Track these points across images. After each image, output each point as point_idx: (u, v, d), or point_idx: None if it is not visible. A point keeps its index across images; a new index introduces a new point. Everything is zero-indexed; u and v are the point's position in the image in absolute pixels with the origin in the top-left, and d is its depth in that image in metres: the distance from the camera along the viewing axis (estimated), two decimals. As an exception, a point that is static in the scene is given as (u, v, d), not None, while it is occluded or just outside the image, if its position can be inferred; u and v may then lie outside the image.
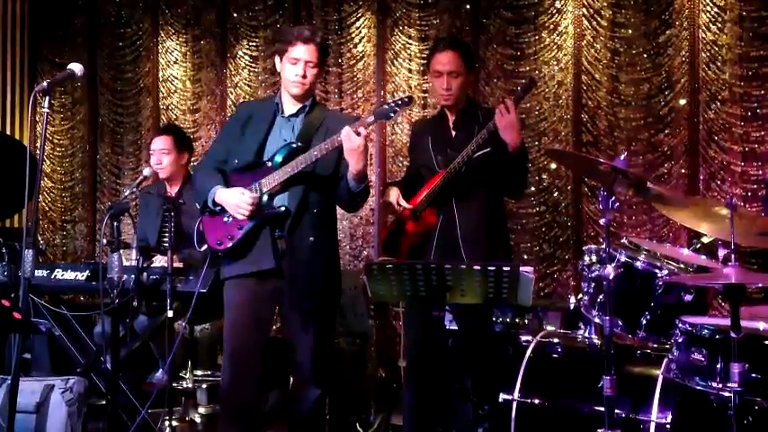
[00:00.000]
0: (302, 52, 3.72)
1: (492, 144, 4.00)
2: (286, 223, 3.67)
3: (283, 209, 3.67)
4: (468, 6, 6.53)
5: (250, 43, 7.33)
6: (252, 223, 3.68)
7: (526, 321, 4.82)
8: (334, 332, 4.04)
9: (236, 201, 3.67)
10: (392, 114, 3.59)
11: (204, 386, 5.15)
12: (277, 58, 3.83)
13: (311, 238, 3.68)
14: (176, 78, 7.72)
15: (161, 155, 5.10)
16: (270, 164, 3.70)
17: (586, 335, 3.81)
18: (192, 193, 4.22)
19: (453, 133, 4.18)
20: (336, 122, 3.68)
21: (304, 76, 3.73)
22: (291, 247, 3.67)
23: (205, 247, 3.85)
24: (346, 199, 3.72)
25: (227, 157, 3.86)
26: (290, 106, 3.83)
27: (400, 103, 3.58)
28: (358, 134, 3.48)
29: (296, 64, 3.72)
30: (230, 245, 3.72)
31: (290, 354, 3.78)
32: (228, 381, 3.77)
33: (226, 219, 3.74)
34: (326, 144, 3.58)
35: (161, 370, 4.96)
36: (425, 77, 6.36)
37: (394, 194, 4.21)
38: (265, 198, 3.68)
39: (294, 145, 3.70)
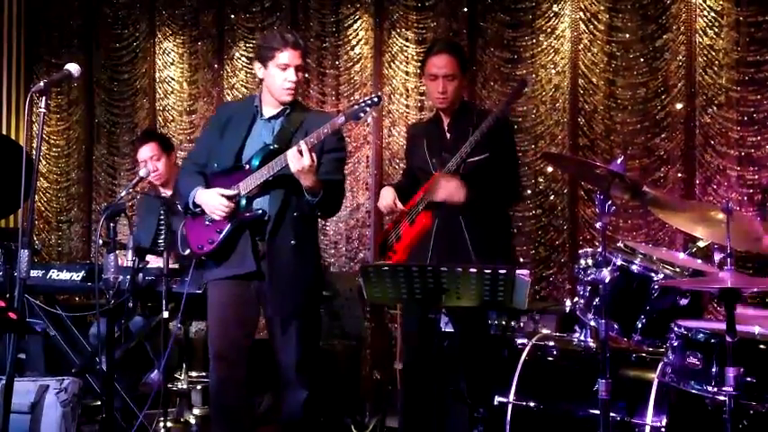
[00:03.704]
0: (291, 57, 3.71)
1: (489, 149, 4.01)
2: (267, 227, 3.68)
3: (261, 211, 3.67)
4: (465, 9, 6.53)
5: (247, 45, 7.32)
6: (231, 226, 3.69)
7: (522, 324, 4.82)
8: (319, 334, 4.04)
9: (213, 202, 3.69)
10: (362, 114, 3.60)
11: (199, 387, 5.15)
12: (258, 65, 3.80)
13: (292, 241, 3.69)
14: (173, 80, 7.71)
15: (154, 162, 5.08)
16: (248, 167, 3.71)
17: (582, 338, 3.81)
18: (178, 195, 4.20)
19: (448, 136, 4.18)
20: (315, 122, 3.68)
21: (297, 82, 3.74)
22: (272, 249, 3.68)
23: (189, 251, 3.86)
24: (309, 210, 3.73)
25: (207, 160, 3.86)
26: (269, 108, 3.82)
27: (370, 102, 3.59)
28: (302, 154, 3.49)
29: (286, 70, 3.71)
30: (210, 249, 3.74)
31: (274, 356, 3.78)
32: (216, 382, 3.80)
33: (207, 222, 3.75)
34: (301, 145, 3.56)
35: (156, 371, 4.95)
36: (423, 80, 6.36)
37: (390, 196, 4.21)
38: (243, 201, 3.69)
39: (272, 147, 3.70)
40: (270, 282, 3.69)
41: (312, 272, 3.82)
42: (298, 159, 3.50)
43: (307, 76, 7.08)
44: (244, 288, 3.74)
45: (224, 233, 3.70)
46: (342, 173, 3.88)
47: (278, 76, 3.73)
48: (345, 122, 3.64)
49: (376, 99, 3.61)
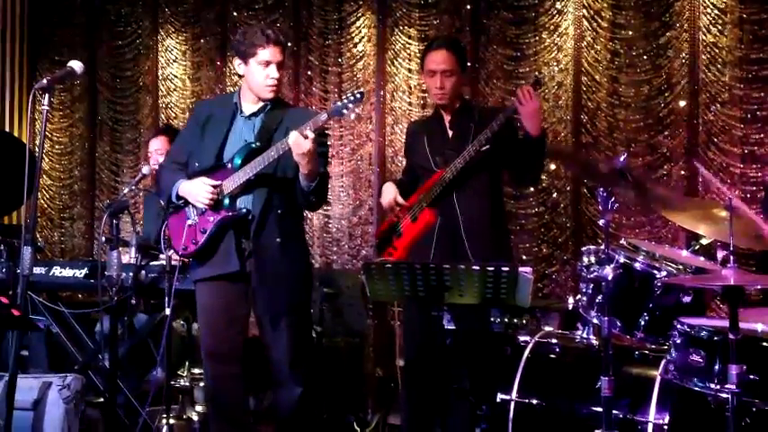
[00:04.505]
0: (273, 54, 3.68)
1: (492, 142, 4.01)
2: (251, 225, 3.67)
3: (245, 210, 3.66)
4: (468, 6, 6.53)
5: (250, 42, 7.31)
6: (215, 226, 3.67)
7: (524, 322, 4.82)
8: (310, 330, 4.03)
9: (198, 189, 3.66)
10: (345, 111, 3.56)
11: (201, 384, 5.14)
12: (238, 62, 3.76)
13: (278, 239, 3.68)
14: (176, 77, 7.72)
15: (157, 155, 5.13)
16: (230, 165, 3.68)
17: (585, 335, 3.80)
18: (158, 193, 4.13)
19: (450, 133, 4.18)
20: (296, 119, 3.65)
21: (279, 79, 3.72)
22: (258, 248, 3.67)
23: (172, 251, 3.85)
24: (302, 199, 3.71)
25: (187, 158, 3.83)
26: (249, 106, 3.79)
27: (353, 99, 3.55)
28: (306, 137, 3.46)
29: (268, 67, 3.68)
30: (195, 249, 3.72)
31: (266, 354, 3.77)
32: (211, 382, 3.81)
33: (190, 222, 3.73)
34: (284, 144, 3.54)
35: (159, 368, 4.96)
36: (422, 77, 6.36)
37: (392, 192, 4.20)
38: (227, 201, 3.67)
39: (253, 145, 3.68)
40: (258, 280, 3.68)
41: (300, 268, 3.81)
42: (303, 143, 3.48)
43: (309, 73, 7.09)
44: (230, 287, 3.73)
45: (208, 233, 3.68)
46: (326, 167, 3.85)
47: (260, 74, 3.69)
48: (328, 119, 3.61)
49: (359, 95, 3.58)
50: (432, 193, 4.09)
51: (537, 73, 6.09)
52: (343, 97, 3.58)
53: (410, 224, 4.17)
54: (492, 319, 4.69)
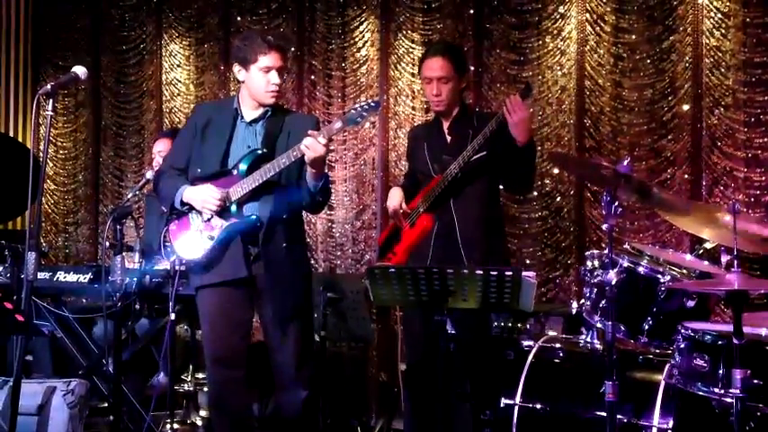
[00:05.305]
0: (274, 60, 3.67)
1: (488, 148, 4.01)
2: (259, 233, 3.66)
3: (254, 217, 3.65)
4: (471, 11, 6.53)
5: (253, 47, 7.32)
6: (224, 234, 3.66)
7: (528, 326, 4.82)
8: (313, 333, 4.03)
9: (204, 195, 3.65)
10: (360, 119, 3.55)
11: (205, 389, 5.15)
12: (238, 68, 3.74)
13: (284, 244, 3.68)
14: (179, 82, 7.73)
15: (160, 157, 5.13)
16: (235, 172, 3.67)
17: (588, 340, 3.80)
18: (159, 199, 4.06)
19: (448, 139, 4.19)
20: (299, 125, 3.66)
21: (280, 85, 3.72)
22: (266, 254, 3.67)
23: (174, 257, 3.84)
24: (308, 200, 3.70)
25: (186, 163, 3.81)
26: (250, 111, 3.78)
27: (367, 107, 3.53)
28: (318, 143, 3.46)
29: (269, 72, 3.67)
30: (202, 256, 3.70)
31: (271, 358, 3.77)
32: (214, 385, 3.80)
33: (194, 228, 3.72)
34: (295, 151, 3.54)
35: (162, 373, 4.97)
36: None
37: (398, 197, 4.21)
38: (234, 208, 3.66)
39: (259, 151, 3.68)
40: (266, 285, 3.68)
41: (303, 272, 3.83)
42: (318, 148, 3.47)
43: (313, 77, 7.10)
44: (234, 292, 3.72)
45: (216, 240, 3.67)
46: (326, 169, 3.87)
47: (260, 79, 3.68)
48: (343, 128, 3.61)
49: (373, 104, 3.55)
50: (429, 199, 4.10)
51: (537, 78, 6.09)
52: (358, 105, 3.55)
53: (408, 229, 4.18)
54: (495, 324, 4.69)
